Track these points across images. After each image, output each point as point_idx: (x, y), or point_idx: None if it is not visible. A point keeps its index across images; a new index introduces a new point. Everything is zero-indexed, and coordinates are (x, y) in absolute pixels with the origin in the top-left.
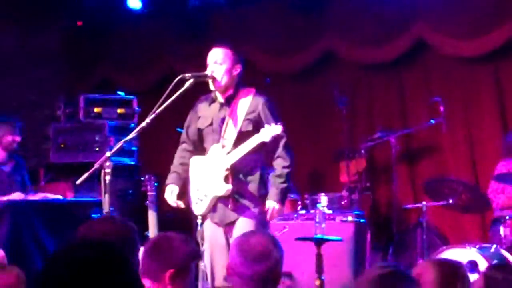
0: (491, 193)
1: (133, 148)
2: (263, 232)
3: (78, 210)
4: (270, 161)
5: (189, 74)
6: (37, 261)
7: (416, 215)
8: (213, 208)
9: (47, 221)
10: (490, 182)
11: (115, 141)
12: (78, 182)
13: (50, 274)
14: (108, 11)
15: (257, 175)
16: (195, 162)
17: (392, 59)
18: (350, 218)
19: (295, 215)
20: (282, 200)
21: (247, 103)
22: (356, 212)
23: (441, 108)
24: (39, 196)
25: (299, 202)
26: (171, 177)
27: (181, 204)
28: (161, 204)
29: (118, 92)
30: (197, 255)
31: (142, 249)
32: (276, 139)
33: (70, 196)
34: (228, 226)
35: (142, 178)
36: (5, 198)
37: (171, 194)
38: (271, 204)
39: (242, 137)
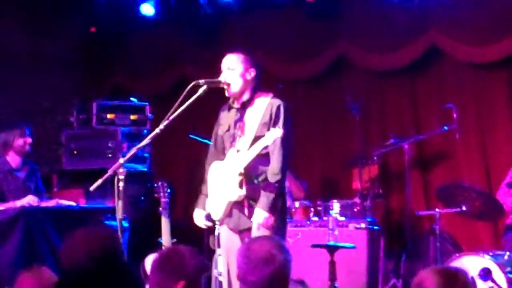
0: (500, 196)
1: (146, 155)
2: (268, 237)
3: (91, 217)
4: None
5: (203, 80)
6: (51, 267)
7: (429, 222)
8: (229, 214)
9: (60, 228)
10: (500, 185)
11: (127, 148)
12: (91, 188)
13: None
14: (121, 18)
15: None
16: (214, 167)
17: (405, 66)
18: (363, 225)
19: (308, 222)
20: (271, 209)
21: (263, 107)
22: (369, 219)
23: (454, 115)
24: (52, 203)
25: (312, 209)
26: (199, 200)
27: (210, 223)
28: (173, 210)
29: (131, 99)
30: (207, 268)
31: (151, 256)
32: (275, 143)
33: (83, 203)
34: (244, 233)
35: (155, 185)
36: (18, 202)
37: (199, 219)
38: (260, 212)
39: (257, 141)
